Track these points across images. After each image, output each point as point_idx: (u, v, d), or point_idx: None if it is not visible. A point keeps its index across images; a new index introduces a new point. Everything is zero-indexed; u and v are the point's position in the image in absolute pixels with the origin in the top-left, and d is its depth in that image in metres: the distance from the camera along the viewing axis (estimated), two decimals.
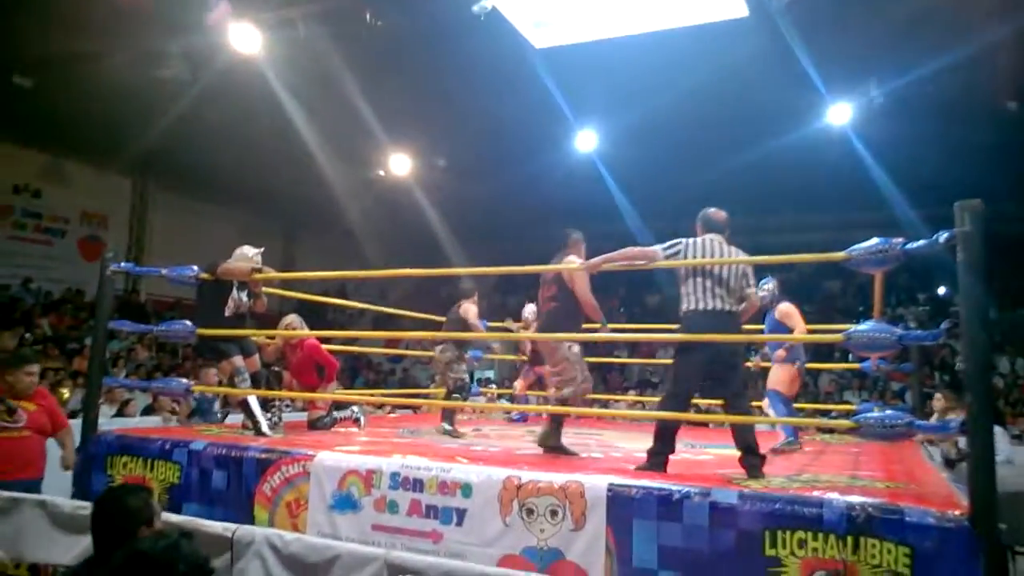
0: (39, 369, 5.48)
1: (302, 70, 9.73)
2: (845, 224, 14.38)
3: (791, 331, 5.69)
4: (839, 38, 8.72)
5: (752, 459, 3.95)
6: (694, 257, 4.12)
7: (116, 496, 2.59)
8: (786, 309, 5.86)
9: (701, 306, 4.07)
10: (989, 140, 10.89)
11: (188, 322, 5.19)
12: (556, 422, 4.86)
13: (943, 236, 3.22)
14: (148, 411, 8.63)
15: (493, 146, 12.30)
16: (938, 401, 6.94)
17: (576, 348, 4.86)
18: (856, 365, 8.42)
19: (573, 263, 4.88)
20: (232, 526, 3.01)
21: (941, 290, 14.91)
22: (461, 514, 3.70)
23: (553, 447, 4.79)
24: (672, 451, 4.13)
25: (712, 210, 4.40)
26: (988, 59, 8.75)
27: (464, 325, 6.18)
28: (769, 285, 5.90)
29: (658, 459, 4.06)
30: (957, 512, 3.01)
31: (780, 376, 5.90)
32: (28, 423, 4.71)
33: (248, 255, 5.41)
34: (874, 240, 3.59)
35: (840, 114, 10.55)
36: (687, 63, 9.22)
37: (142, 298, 15.24)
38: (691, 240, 4.23)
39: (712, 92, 9.83)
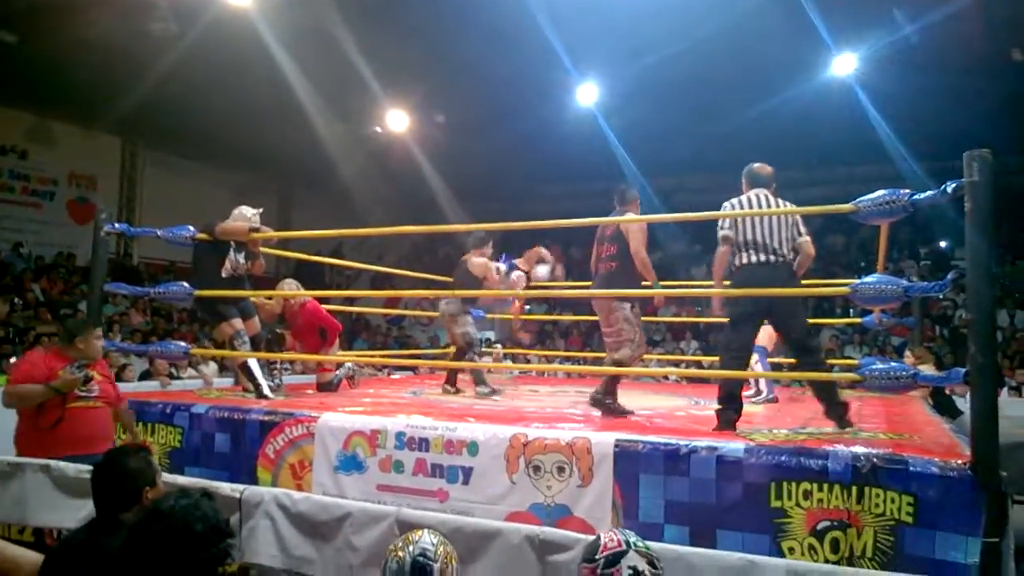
0: None
1: (296, 23, 9.50)
2: (849, 179, 14.32)
3: None
4: None
5: (837, 410, 4.04)
6: (739, 221, 4.15)
7: (117, 458, 2.57)
8: None
9: (754, 259, 4.12)
10: (993, 91, 10.75)
11: (185, 284, 5.16)
12: (613, 381, 4.78)
13: (951, 186, 3.17)
14: (145, 376, 8.62)
15: (492, 101, 12.07)
16: (907, 358, 6.91)
17: (636, 309, 4.82)
18: (857, 320, 8.43)
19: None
20: (240, 487, 3.02)
21: (942, 244, 14.88)
22: (467, 472, 3.71)
23: (608, 406, 4.70)
24: (740, 408, 4.12)
25: (756, 165, 4.40)
26: (993, 7, 8.57)
27: (471, 278, 6.13)
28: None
29: (728, 417, 4.03)
30: (960, 461, 3.03)
31: (768, 332, 5.87)
32: (100, 393, 4.32)
33: (247, 215, 5.35)
34: (880, 192, 3.55)
35: (845, 65, 10.38)
36: (691, 14, 9.03)
37: (135, 261, 15.15)
38: (736, 200, 4.27)
39: (717, 45, 9.62)
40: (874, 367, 3.44)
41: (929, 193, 3.31)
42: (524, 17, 9.10)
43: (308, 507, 2.96)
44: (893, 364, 3.49)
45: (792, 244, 4.20)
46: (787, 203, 4.29)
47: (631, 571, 1.68)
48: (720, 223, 4.23)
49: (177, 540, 1.74)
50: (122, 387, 6.76)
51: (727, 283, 4.32)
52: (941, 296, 13.57)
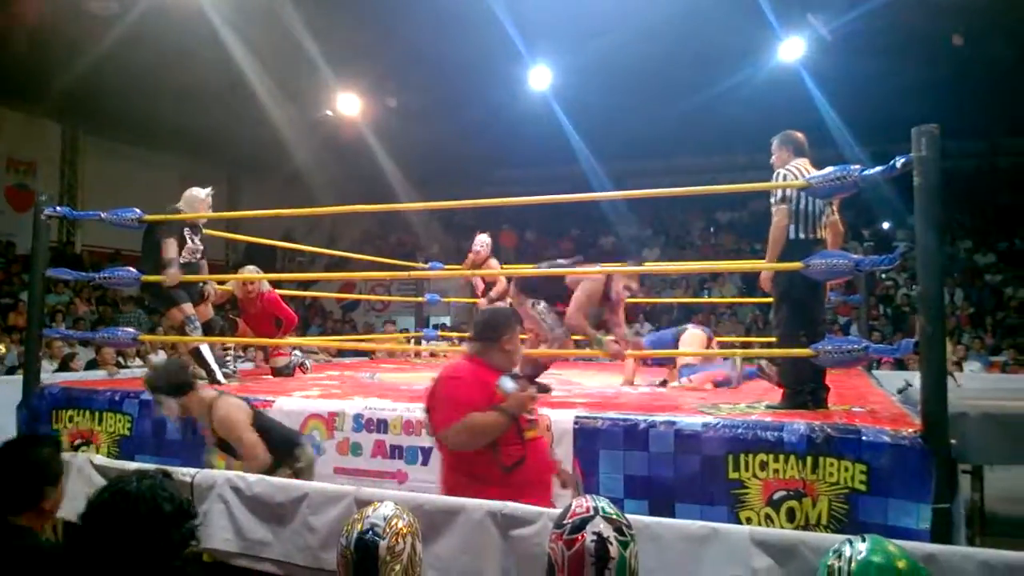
0: None
1: (244, 3, 9.23)
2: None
3: None
4: None
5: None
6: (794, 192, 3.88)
7: (21, 447, 2.36)
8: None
9: (802, 236, 3.90)
10: (935, 76, 11.06)
11: (131, 269, 5.02)
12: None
13: (900, 161, 3.24)
14: (92, 366, 8.35)
15: (445, 85, 11.95)
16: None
17: (540, 305, 4.77)
18: None
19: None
20: (192, 470, 2.93)
21: (885, 225, 15.31)
22: (427, 453, 3.69)
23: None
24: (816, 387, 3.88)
25: (794, 132, 4.19)
26: None
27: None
28: None
29: (804, 397, 3.84)
30: (911, 430, 3.12)
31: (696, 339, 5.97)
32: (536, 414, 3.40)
33: (200, 197, 5.25)
34: (830, 168, 3.61)
35: (792, 50, 10.55)
36: None
37: (77, 249, 14.64)
38: (784, 171, 4.00)
39: (668, 28, 9.67)
40: (826, 343, 3.53)
41: (879, 168, 3.38)
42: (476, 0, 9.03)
43: (263, 489, 2.88)
44: (844, 338, 3.59)
45: (827, 221, 4.03)
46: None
47: (595, 537, 1.67)
48: (776, 194, 3.93)
49: (146, 521, 1.66)
50: (67, 377, 6.58)
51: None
52: (884, 276, 13.99)
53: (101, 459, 3.00)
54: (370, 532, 1.82)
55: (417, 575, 1.85)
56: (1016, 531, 5.51)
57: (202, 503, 2.90)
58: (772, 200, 3.96)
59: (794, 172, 3.95)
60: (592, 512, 1.70)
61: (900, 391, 4.75)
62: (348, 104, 12.89)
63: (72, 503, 2.80)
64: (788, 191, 3.89)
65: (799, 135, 4.24)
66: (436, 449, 3.23)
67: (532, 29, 10.01)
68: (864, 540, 1.69)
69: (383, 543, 1.80)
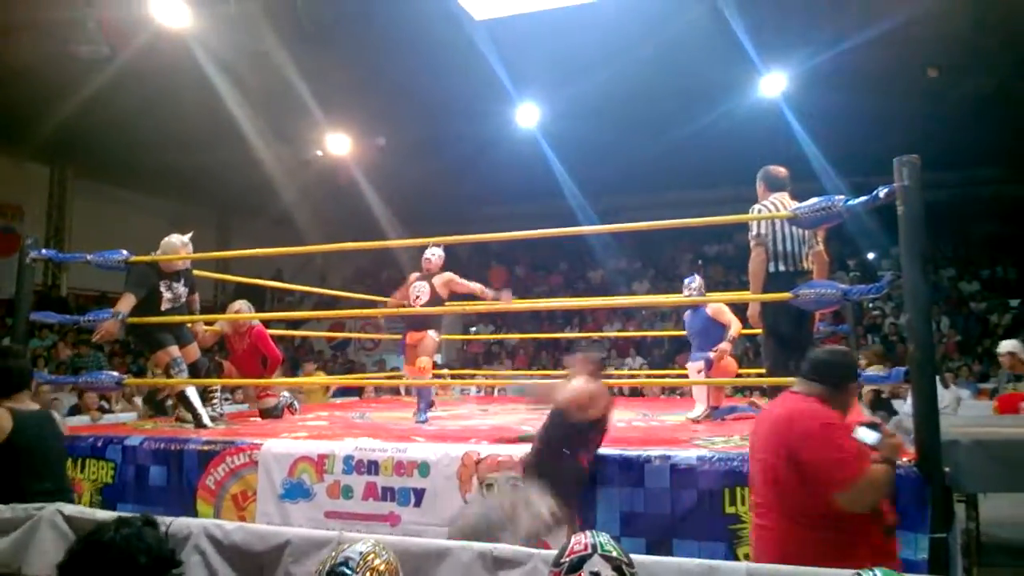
0: None
1: (233, 46, 9.29)
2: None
3: (726, 326, 5.43)
4: (772, 8, 8.83)
5: None
6: (773, 223, 4.05)
7: None
8: (717, 307, 5.59)
9: (782, 268, 4.07)
10: (911, 109, 11.25)
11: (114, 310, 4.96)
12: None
13: (883, 191, 3.27)
14: (74, 411, 8.19)
15: (433, 124, 12.05)
16: (861, 361, 7.15)
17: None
18: None
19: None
20: (166, 519, 2.83)
21: (870, 256, 15.44)
22: (419, 494, 3.63)
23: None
24: None
25: (773, 168, 4.36)
26: (910, 28, 8.98)
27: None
28: (695, 284, 5.68)
29: None
30: (904, 459, 3.09)
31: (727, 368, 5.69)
32: None
33: (176, 244, 5.18)
34: (815, 199, 3.64)
35: (774, 85, 10.72)
36: (627, 36, 9.20)
37: (63, 292, 14.53)
38: (759, 207, 4.18)
39: (653, 66, 9.84)
40: None
41: (863, 199, 3.41)
42: (463, 40, 9.15)
43: (242, 537, 2.74)
44: None
45: (810, 252, 4.14)
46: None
47: None
48: (753, 229, 4.10)
49: (119, 573, 1.61)
50: None
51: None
52: (871, 306, 14.08)
53: (73, 509, 2.89)
54: (342, 566, 1.75)
55: None
56: (1012, 559, 5.48)
57: (178, 554, 2.79)
58: (749, 236, 4.12)
59: (768, 207, 4.13)
60: (590, 550, 1.66)
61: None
62: (338, 144, 12.97)
63: (43, 557, 2.72)
64: (763, 228, 4.06)
65: (777, 170, 4.37)
66: (771, 499, 2.58)
67: (519, 68, 10.14)
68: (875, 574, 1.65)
69: None
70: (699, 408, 5.39)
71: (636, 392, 9.86)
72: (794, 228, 4.01)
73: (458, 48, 9.37)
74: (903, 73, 10.42)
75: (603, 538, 1.72)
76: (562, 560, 1.67)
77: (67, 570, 1.64)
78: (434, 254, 6.13)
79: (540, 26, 8.95)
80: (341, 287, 14.62)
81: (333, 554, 1.81)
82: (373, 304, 8.11)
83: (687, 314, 5.93)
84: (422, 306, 5.85)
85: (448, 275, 6.12)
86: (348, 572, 1.74)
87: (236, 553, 2.73)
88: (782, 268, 4.06)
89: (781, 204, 4.10)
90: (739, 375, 6.15)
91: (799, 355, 3.65)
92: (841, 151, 11.94)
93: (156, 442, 4.29)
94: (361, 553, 1.79)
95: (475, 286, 6.18)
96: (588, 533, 1.75)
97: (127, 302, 4.89)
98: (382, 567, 1.79)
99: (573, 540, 1.73)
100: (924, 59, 10.11)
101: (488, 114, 11.64)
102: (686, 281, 5.74)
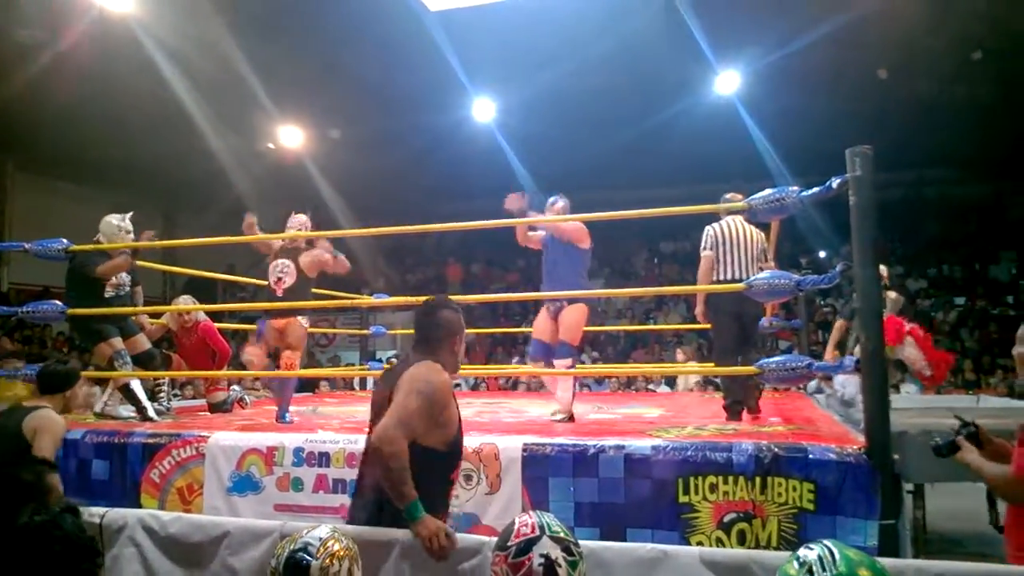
0: None
1: (179, 33, 9.00)
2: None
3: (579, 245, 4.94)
4: (726, 6, 8.92)
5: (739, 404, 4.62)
6: (716, 238, 4.74)
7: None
8: (575, 226, 4.96)
9: (726, 276, 4.65)
10: (862, 109, 11.50)
11: (57, 302, 4.82)
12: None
13: (836, 181, 3.31)
14: None
15: (387, 116, 11.87)
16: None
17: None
18: None
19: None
20: (100, 510, 2.71)
21: (821, 254, 15.75)
22: None
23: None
24: (741, 400, 4.61)
25: (729, 195, 4.74)
26: (861, 29, 9.17)
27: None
28: (559, 204, 5.18)
29: (736, 407, 4.57)
30: (855, 447, 3.14)
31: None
32: None
33: (113, 224, 5.09)
34: (769, 191, 3.67)
35: (728, 83, 10.84)
36: (584, 31, 9.20)
37: (4, 288, 14.01)
38: (715, 225, 4.79)
39: (609, 62, 9.85)
40: (771, 360, 3.56)
41: (816, 189, 3.44)
42: (418, 32, 9.03)
43: (179, 528, 2.66)
44: (788, 356, 3.64)
45: (759, 267, 4.67)
46: (755, 229, 4.81)
47: (543, 560, 1.58)
48: (703, 244, 4.78)
49: (31, 563, 1.52)
50: None
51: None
52: (822, 302, 14.37)
53: None
54: (302, 551, 1.72)
55: None
56: (954, 548, 5.63)
57: (112, 546, 2.68)
58: (701, 246, 4.80)
59: (715, 231, 4.73)
60: (538, 532, 1.62)
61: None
62: (290, 136, 12.73)
63: None
64: (708, 243, 4.74)
65: (731, 196, 4.68)
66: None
67: (475, 61, 10.06)
68: (826, 546, 1.63)
69: (315, 563, 1.70)
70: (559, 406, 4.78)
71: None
72: (745, 247, 4.69)
73: (413, 40, 9.25)
74: (854, 73, 10.62)
75: (549, 519, 1.69)
76: (508, 544, 1.63)
77: None
78: (299, 222, 5.30)
79: (495, 20, 8.88)
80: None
81: (289, 539, 1.79)
82: (326, 300, 7.96)
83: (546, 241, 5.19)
84: (287, 288, 5.07)
85: (316, 252, 5.18)
86: (308, 558, 1.73)
87: (173, 544, 2.65)
88: (729, 276, 4.61)
89: (731, 223, 4.74)
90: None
91: (744, 350, 4.66)
92: (794, 150, 12.14)
93: (99, 435, 4.17)
94: (320, 539, 1.79)
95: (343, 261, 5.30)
96: (533, 514, 1.71)
97: (102, 265, 4.86)
98: (341, 552, 1.79)
99: (518, 522, 1.69)
100: (874, 60, 10.32)
101: (444, 108, 11.53)
102: (549, 201, 5.20)
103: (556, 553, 1.60)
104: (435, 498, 2.46)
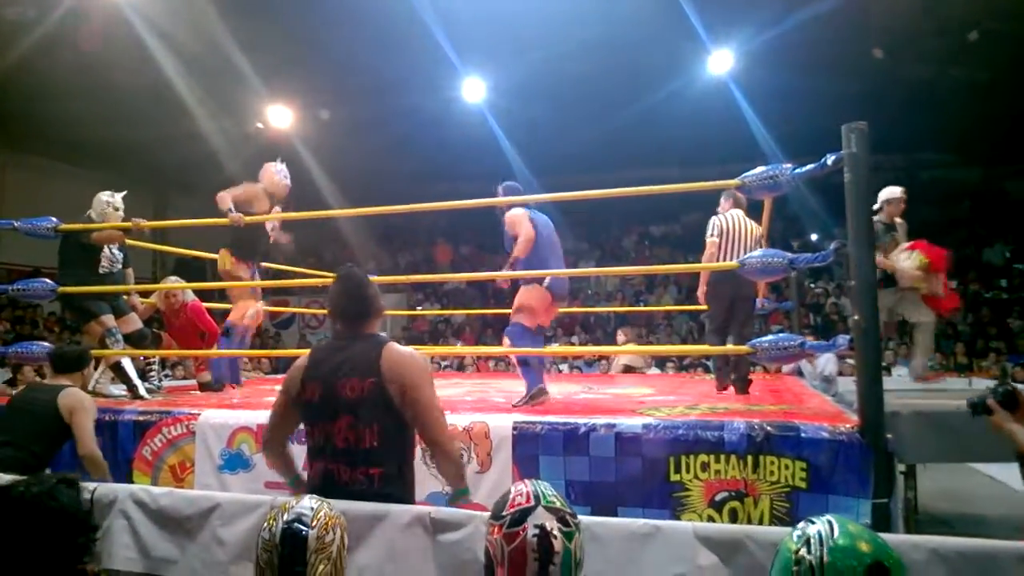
0: None
1: (169, 12, 8.89)
2: (727, 175, 14.89)
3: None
4: None
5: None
6: (722, 228, 5.13)
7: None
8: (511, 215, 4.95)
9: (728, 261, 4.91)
10: (857, 89, 11.45)
11: (47, 280, 4.78)
12: None
13: (831, 158, 3.28)
14: (12, 385, 7.94)
15: (378, 97, 11.74)
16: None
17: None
18: None
19: None
20: (91, 484, 2.71)
21: (813, 237, 15.77)
22: None
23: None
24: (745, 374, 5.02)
25: (734, 190, 4.70)
26: (856, 9, 9.11)
27: None
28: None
29: (742, 383, 4.97)
30: (848, 425, 3.14)
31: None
32: None
33: (104, 200, 5.09)
34: (762, 168, 3.65)
35: (721, 63, 10.77)
36: (575, 13, 9.13)
37: None
38: (719, 217, 5.19)
39: (601, 43, 9.76)
40: (763, 340, 3.56)
41: (811, 166, 3.42)
42: (408, 12, 8.93)
43: (170, 501, 2.67)
44: (781, 336, 3.63)
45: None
46: (754, 223, 5.19)
47: (538, 530, 1.57)
48: (709, 232, 5.15)
49: (25, 533, 1.50)
50: None
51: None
52: (813, 285, 14.41)
53: None
54: (297, 522, 1.70)
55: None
56: (945, 528, 5.68)
57: (103, 519, 2.68)
58: (707, 234, 5.17)
59: (720, 221, 5.11)
60: (533, 502, 1.60)
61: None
62: (279, 116, 12.61)
63: None
64: (715, 231, 5.11)
65: (736, 191, 4.70)
66: None
67: (465, 41, 9.95)
68: (827, 520, 1.61)
69: (312, 532, 1.69)
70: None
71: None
72: (745, 240, 5.04)
73: (403, 20, 9.14)
74: (849, 53, 10.55)
75: (544, 487, 1.67)
76: (503, 513, 1.61)
77: None
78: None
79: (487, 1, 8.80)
80: (285, 263, 14.30)
81: (279, 510, 1.78)
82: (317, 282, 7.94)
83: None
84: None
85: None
86: (304, 528, 1.71)
87: (163, 517, 2.65)
88: (731, 261, 4.78)
89: (733, 216, 5.12)
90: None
91: (736, 331, 5.04)
92: (788, 131, 12.09)
93: None
94: (312, 508, 1.77)
95: None
96: (528, 483, 1.70)
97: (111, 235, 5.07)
98: (332, 520, 1.78)
99: (513, 491, 1.67)
100: (870, 40, 10.26)
101: (434, 89, 11.43)
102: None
103: (551, 524, 1.58)
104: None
